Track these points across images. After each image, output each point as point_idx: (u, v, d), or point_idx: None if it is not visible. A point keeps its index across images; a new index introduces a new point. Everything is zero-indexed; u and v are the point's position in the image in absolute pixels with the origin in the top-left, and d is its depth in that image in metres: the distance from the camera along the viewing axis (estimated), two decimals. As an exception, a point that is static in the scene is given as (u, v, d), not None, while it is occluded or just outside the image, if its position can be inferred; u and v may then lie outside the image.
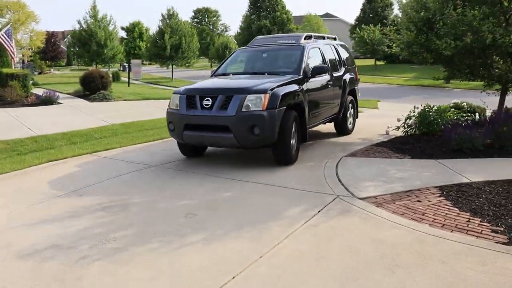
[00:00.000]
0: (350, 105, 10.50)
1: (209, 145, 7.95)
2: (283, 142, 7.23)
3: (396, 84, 35.22)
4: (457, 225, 4.84)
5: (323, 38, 10.40)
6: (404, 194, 5.91)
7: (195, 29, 44.36)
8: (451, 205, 5.46)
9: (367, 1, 56.21)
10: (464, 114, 10.73)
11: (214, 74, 9.21)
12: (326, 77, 9.12)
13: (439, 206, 5.43)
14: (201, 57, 50.22)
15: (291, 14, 49.93)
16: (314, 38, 9.71)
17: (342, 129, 10.43)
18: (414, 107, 10.52)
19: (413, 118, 10.31)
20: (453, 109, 10.97)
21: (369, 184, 6.35)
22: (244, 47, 10.14)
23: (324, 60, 9.30)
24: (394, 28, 9.83)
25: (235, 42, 32.07)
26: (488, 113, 11.50)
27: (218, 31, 67.66)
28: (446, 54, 8.21)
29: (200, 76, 46.56)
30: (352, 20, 67.84)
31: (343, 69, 10.26)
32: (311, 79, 8.37)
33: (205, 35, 59.64)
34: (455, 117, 10.22)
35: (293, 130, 7.45)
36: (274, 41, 9.69)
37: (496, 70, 9.04)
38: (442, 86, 32.83)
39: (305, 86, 8.12)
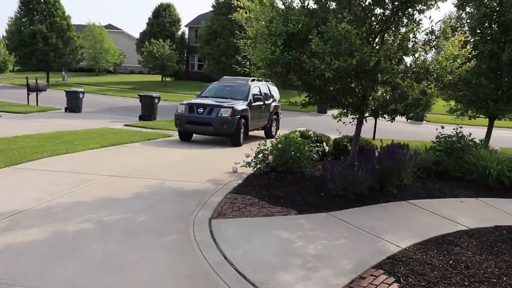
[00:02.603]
0: (274, 121, 15.81)
1: (198, 133, 13.28)
2: (237, 134, 12.77)
3: (191, 102, 33.93)
4: None
5: (261, 81, 14.34)
6: (353, 292, 3.78)
7: None
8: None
9: (154, 15, 54.24)
10: (312, 144, 9.34)
11: (199, 96, 14.66)
12: (261, 103, 14.53)
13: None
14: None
15: (71, 21, 44.41)
16: (256, 80, 14.40)
17: (269, 134, 15.27)
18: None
19: (266, 152, 8.47)
20: (300, 138, 9.50)
21: (290, 277, 4.01)
22: (217, 82, 15.79)
23: (260, 93, 14.65)
24: (250, 41, 7.71)
25: (5, 48, 25.72)
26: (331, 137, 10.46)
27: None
28: (327, 77, 6.51)
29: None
30: (136, 34, 65.14)
31: (271, 99, 15.61)
32: (253, 103, 13.89)
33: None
34: (309, 150, 8.72)
35: (242, 129, 12.98)
36: (234, 80, 15.31)
37: (353, 99, 7.82)
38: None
39: (250, 106, 13.58)
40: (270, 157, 8.07)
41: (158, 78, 50.94)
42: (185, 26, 56.45)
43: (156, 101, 20.11)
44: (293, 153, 8.07)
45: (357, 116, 8.47)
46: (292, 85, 7.57)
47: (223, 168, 8.75)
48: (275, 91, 15.99)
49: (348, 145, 9.72)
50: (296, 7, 7.58)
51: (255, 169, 8.36)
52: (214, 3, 35.94)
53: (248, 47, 7.79)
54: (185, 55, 55.31)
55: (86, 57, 52.36)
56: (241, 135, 13.06)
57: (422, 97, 6.98)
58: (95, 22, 53.83)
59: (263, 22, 7.46)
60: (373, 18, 7.41)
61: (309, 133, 9.96)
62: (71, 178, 7.43)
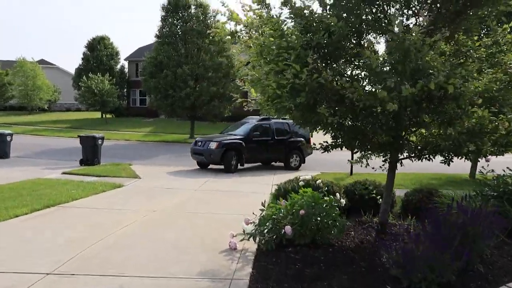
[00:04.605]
0: (294, 154, 17.22)
1: (198, 160, 16.50)
2: (226, 162, 15.58)
3: (136, 140, 30.88)
4: None
5: (281, 118, 15.79)
6: None
7: None
8: None
9: (89, 49, 50.76)
10: (326, 198, 6.93)
11: (221, 133, 18.53)
12: (268, 138, 16.96)
13: None
14: None
15: (-4, 56, 40.31)
16: (271, 119, 16.79)
17: (287, 166, 17.01)
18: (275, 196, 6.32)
19: (275, 217, 5.98)
20: (307, 188, 7.06)
21: None
22: (238, 122, 19.00)
23: (272, 130, 17.14)
24: (253, 60, 5.25)
25: None
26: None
27: None
28: (391, 109, 4.21)
29: None
30: (71, 69, 61.06)
31: (288, 135, 17.28)
32: (253, 138, 16.51)
33: None
34: (323, 205, 6.29)
35: (233, 159, 15.74)
36: (249, 119, 17.94)
37: (389, 137, 5.61)
38: (188, 142, 30.28)
39: (245, 142, 16.25)
40: (288, 229, 5.54)
41: (97, 115, 47.25)
42: (125, 59, 53.31)
43: (100, 142, 17.09)
44: (318, 219, 5.64)
45: (386, 158, 6.27)
46: (318, 123, 5.21)
47: (214, 240, 6.15)
48: (294, 128, 17.01)
49: (373, 195, 7.45)
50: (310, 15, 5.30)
51: (260, 241, 5.83)
52: (157, 33, 33.32)
53: (252, 70, 5.35)
54: (126, 90, 52.00)
55: (16, 95, 47.83)
56: (232, 164, 15.70)
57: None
58: (26, 57, 49.48)
59: (271, 31, 5.08)
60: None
61: (317, 182, 7.60)
62: (-21, 284, 4.56)
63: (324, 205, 5.88)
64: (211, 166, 16.50)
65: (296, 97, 4.76)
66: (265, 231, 5.80)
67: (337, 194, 7.43)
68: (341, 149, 5.91)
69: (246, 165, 16.81)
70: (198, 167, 16.72)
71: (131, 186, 11.57)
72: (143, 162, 18.42)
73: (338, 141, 5.69)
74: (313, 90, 4.74)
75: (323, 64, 5.08)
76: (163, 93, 31.20)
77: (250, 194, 10.69)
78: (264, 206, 6.23)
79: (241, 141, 16.17)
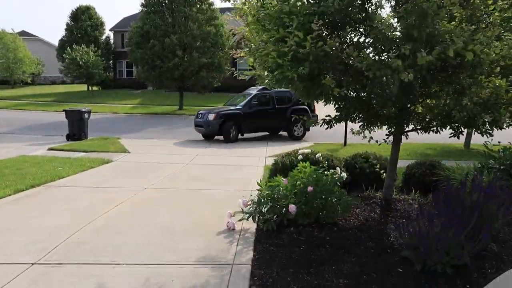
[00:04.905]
0: (297, 123, 16.64)
1: (201, 133, 17.01)
2: (225, 132, 16.17)
3: (124, 112, 30.26)
4: None
5: (280, 89, 14.96)
6: None
7: None
8: None
9: (73, 20, 49.19)
10: (326, 172, 6.59)
11: (224, 104, 19.15)
12: (268, 107, 17.24)
13: None
14: None
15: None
16: (273, 90, 16.66)
17: (290, 135, 17.31)
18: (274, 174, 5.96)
19: (275, 195, 5.63)
20: (305, 163, 6.71)
21: None
22: (241, 93, 19.69)
23: (273, 99, 17.32)
24: (252, 26, 4.78)
25: None
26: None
27: None
28: (406, 80, 3.82)
29: None
30: (55, 40, 59.33)
31: (290, 104, 17.31)
32: (253, 108, 16.91)
33: None
34: (327, 182, 5.95)
35: (232, 129, 16.25)
36: (252, 90, 18.26)
37: (395, 109, 5.24)
38: (176, 114, 29.74)
39: (245, 112, 16.64)
40: (292, 207, 5.23)
41: (83, 87, 46.26)
42: (110, 30, 51.87)
43: (86, 116, 16.54)
44: (323, 196, 5.31)
45: (391, 131, 5.92)
46: (322, 94, 4.81)
47: (210, 221, 5.81)
48: (295, 97, 17.00)
49: (377, 169, 7.13)
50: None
51: (260, 221, 5.50)
52: (143, 2, 32.20)
53: (250, 35, 4.91)
54: (112, 61, 50.75)
55: (-2, 68, 46.57)
56: (231, 134, 16.24)
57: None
58: (5, 29, 47.90)
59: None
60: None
61: (316, 156, 7.25)
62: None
63: (328, 182, 5.52)
64: (216, 137, 17.00)
65: (299, 67, 4.34)
66: (265, 210, 5.47)
67: (338, 168, 7.11)
68: (346, 122, 5.55)
69: (246, 135, 17.28)
70: (191, 138, 16.99)
71: (120, 161, 11.18)
72: (132, 135, 18.01)
73: (342, 114, 5.31)
74: (317, 59, 4.32)
75: (327, 32, 4.65)
76: (150, 64, 30.39)
77: (245, 167, 10.38)
78: (260, 186, 5.88)
79: (240, 111, 16.63)
